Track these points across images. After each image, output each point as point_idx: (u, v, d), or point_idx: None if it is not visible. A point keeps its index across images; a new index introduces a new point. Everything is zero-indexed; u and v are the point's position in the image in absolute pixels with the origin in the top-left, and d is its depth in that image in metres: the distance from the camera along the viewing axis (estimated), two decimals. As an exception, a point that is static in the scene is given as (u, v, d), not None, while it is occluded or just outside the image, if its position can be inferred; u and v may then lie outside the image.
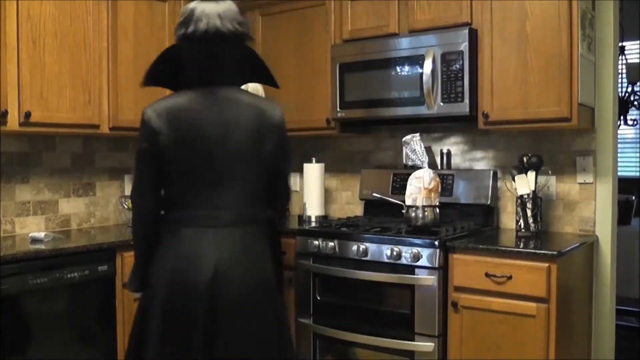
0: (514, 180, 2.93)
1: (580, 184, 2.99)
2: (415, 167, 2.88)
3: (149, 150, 1.92)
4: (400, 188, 3.21)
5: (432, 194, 2.83)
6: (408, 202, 2.87)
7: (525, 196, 2.88)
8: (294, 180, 3.95)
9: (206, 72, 1.93)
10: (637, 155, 6.17)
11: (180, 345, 1.81)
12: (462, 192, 3.17)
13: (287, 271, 3.16)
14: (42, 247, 2.66)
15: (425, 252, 2.66)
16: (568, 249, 2.60)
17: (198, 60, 1.93)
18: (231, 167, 1.88)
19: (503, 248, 2.59)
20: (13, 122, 2.67)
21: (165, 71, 2.01)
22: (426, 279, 2.65)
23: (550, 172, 2.99)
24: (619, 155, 3.18)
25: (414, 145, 2.84)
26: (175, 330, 1.83)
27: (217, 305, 1.80)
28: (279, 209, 2.11)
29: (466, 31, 2.86)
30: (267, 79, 2.11)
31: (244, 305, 1.85)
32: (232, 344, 1.82)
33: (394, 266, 2.73)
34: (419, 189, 2.83)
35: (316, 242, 2.99)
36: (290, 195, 2.10)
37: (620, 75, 4.57)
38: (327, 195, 3.74)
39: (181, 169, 1.89)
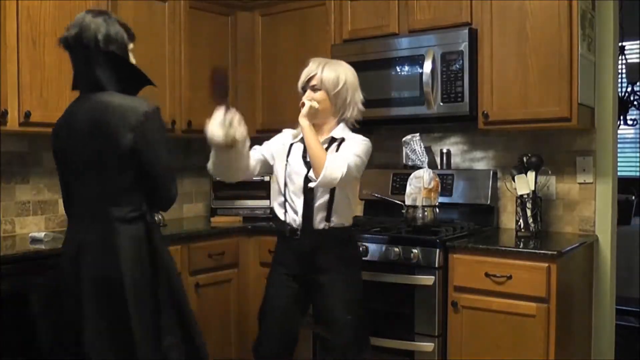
0: (514, 180, 2.93)
1: (580, 184, 2.99)
2: (415, 167, 2.88)
3: (53, 151, 2.18)
4: (400, 188, 3.21)
5: (432, 194, 2.83)
6: (408, 202, 2.87)
7: (525, 196, 2.88)
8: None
9: (78, 78, 2.11)
10: (637, 155, 6.17)
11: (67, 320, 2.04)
12: (462, 192, 3.17)
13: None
14: (42, 247, 2.65)
15: (425, 252, 2.66)
16: (568, 248, 2.60)
17: (74, 67, 2.12)
18: (91, 165, 2.02)
19: (503, 248, 2.59)
20: (13, 122, 2.66)
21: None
22: (426, 278, 2.65)
23: (550, 172, 2.99)
24: (619, 155, 3.18)
25: (414, 145, 2.84)
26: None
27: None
28: (156, 205, 2.13)
29: (466, 31, 2.86)
30: (138, 81, 2.12)
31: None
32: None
33: (393, 266, 2.73)
34: (419, 188, 2.83)
35: (316, 242, 2.98)
36: (168, 192, 2.07)
37: (620, 75, 4.57)
38: (327, 195, 3.74)
39: (61, 169, 2.16)
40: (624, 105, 5.32)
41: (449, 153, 3.31)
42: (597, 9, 2.93)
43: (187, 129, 3.38)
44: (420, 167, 2.85)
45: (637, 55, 5.95)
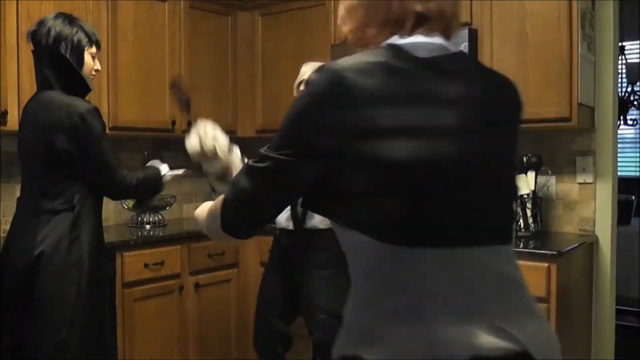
0: (514, 180, 2.92)
1: (580, 184, 2.99)
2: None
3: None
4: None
5: (432, 194, 2.83)
6: (408, 202, 2.86)
7: (525, 196, 2.88)
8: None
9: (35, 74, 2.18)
10: (637, 155, 6.16)
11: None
12: (462, 192, 3.16)
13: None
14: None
15: (425, 252, 2.65)
16: (568, 249, 2.60)
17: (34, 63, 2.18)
18: (30, 163, 2.15)
19: (503, 248, 2.59)
20: (13, 122, 2.66)
21: None
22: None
23: (550, 172, 2.99)
24: (619, 155, 3.18)
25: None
26: None
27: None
28: (108, 196, 2.25)
29: (466, 31, 2.86)
30: (71, 80, 2.13)
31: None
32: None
33: (394, 266, 2.72)
34: (419, 189, 2.82)
35: (316, 242, 2.98)
36: (111, 185, 2.14)
37: (620, 75, 4.56)
38: (327, 195, 3.74)
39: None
40: (624, 105, 5.32)
41: (449, 153, 3.31)
42: (597, 9, 2.93)
43: (187, 129, 3.36)
44: (420, 167, 2.85)
45: (637, 55, 5.94)
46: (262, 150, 1.06)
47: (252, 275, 3.32)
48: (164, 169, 2.37)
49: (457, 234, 0.98)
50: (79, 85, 2.12)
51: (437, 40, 1.03)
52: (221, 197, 1.13)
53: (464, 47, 2.85)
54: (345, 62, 0.98)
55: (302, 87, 2.49)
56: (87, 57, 2.16)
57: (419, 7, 1.01)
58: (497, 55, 2.84)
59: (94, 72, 2.21)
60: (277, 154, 1.02)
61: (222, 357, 3.21)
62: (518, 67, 2.78)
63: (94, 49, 2.18)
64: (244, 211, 1.09)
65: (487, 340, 0.93)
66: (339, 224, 1.04)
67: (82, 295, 2.01)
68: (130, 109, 3.17)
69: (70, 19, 2.15)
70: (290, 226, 2.56)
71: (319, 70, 0.99)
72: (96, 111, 2.09)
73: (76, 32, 2.12)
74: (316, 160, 0.98)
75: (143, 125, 3.21)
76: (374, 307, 0.98)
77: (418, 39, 1.02)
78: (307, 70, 2.52)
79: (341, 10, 1.12)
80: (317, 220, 2.51)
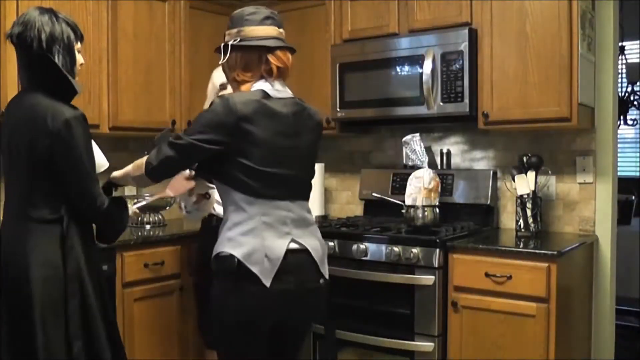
0: (513, 180, 2.93)
1: (580, 184, 2.99)
2: (415, 167, 2.88)
3: None
4: (400, 188, 3.21)
5: (432, 194, 2.83)
6: (408, 202, 2.87)
7: (525, 196, 2.88)
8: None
9: (19, 75, 2.10)
10: (637, 155, 6.16)
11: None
12: (462, 192, 3.17)
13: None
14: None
15: (425, 252, 2.66)
16: (568, 248, 2.60)
17: (17, 63, 2.08)
18: (15, 168, 2.03)
19: (503, 248, 2.59)
20: (13, 122, 2.66)
21: None
22: (426, 278, 2.65)
23: (550, 172, 2.99)
24: (619, 155, 3.18)
25: (414, 145, 2.84)
26: None
27: None
28: (82, 215, 2.02)
29: (466, 31, 2.86)
30: (58, 85, 2.04)
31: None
32: None
33: (393, 266, 2.73)
34: (419, 188, 2.83)
35: (316, 242, 2.99)
36: (89, 201, 1.99)
37: (620, 75, 4.56)
38: (327, 195, 3.74)
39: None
40: (624, 105, 5.32)
41: (449, 153, 3.31)
42: (597, 9, 2.93)
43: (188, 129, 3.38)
44: (420, 167, 2.85)
45: (637, 55, 5.94)
46: (180, 134, 1.94)
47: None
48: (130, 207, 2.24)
49: (280, 193, 1.94)
50: (68, 89, 2.03)
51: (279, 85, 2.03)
52: (145, 157, 1.98)
53: (464, 47, 2.86)
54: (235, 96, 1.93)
55: (227, 90, 2.57)
56: (77, 55, 2.09)
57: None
58: (497, 55, 2.84)
59: (79, 67, 2.13)
60: (190, 138, 1.89)
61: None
62: (518, 67, 2.78)
63: (79, 45, 2.10)
64: (162, 167, 1.94)
65: (291, 245, 1.93)
66: (220, 182, 1.96)
67: (87, 306, 1.97)
68: (130, 109, 3.16)
69: (53, 13, 2.04)
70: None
71: (219, 97, 1.92)
72: (82, 118, 2.00)
73: (65, 28, 2.03)
74: (214, 144, 1.88)
75: (143, 125, 3.20)
76: (236, 229, 1.90)
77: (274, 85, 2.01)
78: (221, 74, 2.64)
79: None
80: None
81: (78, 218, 2.01)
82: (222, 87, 2.75)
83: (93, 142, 2.18)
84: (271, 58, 1.98)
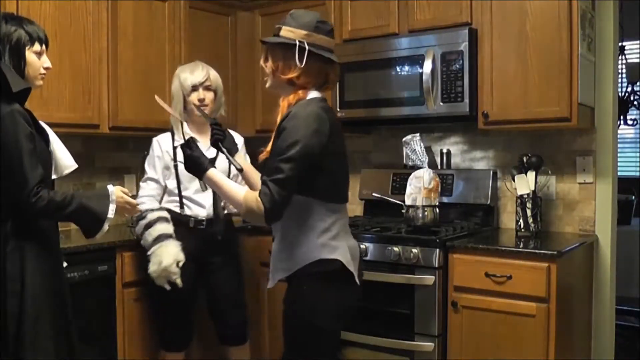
0: (513, 180, 2.93)
1: (580, 183, 2.99)
2: (415, 167, 2.88)
3: None
4: (400, 188, 3.21)
5: (432, 194, 2.83)
6: (408, 202, 2.87)
7: (525, 196, 2.88)
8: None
9: None
10: (637, 155, 6.16)
11: None
12: (462, 192, 3.17)
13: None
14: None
15: (425, 252, 2.66)
16: (568, 248, 2.60)
17: None
18: None
19: (503, 248, 2.59)
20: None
21: None
22: (426, 278, 2.65)
23: (550, 172, 2.99)
24: (619, 155, 3.18)
25: (414, 145, 2.84)
26: None
27: None
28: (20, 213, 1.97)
29: (466, 31, 2.86)
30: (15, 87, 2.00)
31: None
32: None
33: (393, 266, 2.73)
34: (419, 188, 2.83)
35: (316, 242, 2.99)
36: (20, 198, 1.91)
37: (620, 75, 4.57)
38: (327, 195, 3.74)
39: None
40: (624, 105, 5.32)
41: (449, 153, 3.31)
42: (597, 9, 2.93)
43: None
44: (420, 167, 2.85)
45: (637, 55, 5.94)
46: (283, 166, 1.88)
47: (253, 275, 3.32)
48: (111, 209, 2.07)
49: (346, 196, 2.11)
50: (7, 87, 1.96)
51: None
52: (247, 196, 1.92)
53: (464, 47, 2.86)
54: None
55: (208, 83, 2.77)
56: (31, 57, 2.04)
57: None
58: (497, 55, 2.84)
59: (42, 71, 2.09)
60: (293, 170, 1.87)
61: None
62: (518, 67, 2.78)
63: (37, 47, 2.06)
64: (284, 207, 1.91)
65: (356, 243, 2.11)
66: (304, 195, 1.94)
67: (28, 309, 1.92)
68: (130, 109, 3.17)
69: (8, 18, 2.03)
70: (210, 217, 2.78)
71: (302, 107, 1.98)
72: (19, 114, 1.94)
73: (14, 31, 2.00)
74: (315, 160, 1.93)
75: (143, 125, 3.20)
76: (326, 235, 1.97)
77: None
78: (204, 69, 2.80)
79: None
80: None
81: (29, 220, 1.96)
82: (194, 88, 2.78)
83: (60, 143, 2.20)
84: (332, 72, 2.06)
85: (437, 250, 2.64)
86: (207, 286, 2.85)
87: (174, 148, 2.78)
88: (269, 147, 2.01)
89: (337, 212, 2.02)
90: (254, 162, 2.32)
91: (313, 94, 2.02)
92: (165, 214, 2.71)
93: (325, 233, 1.97)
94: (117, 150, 3.52)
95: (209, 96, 2.80)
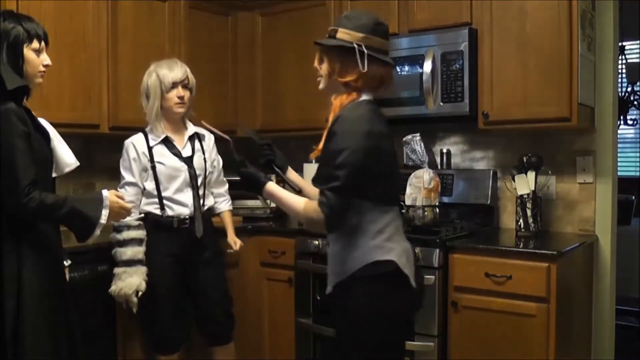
0: (514, 180, 2.93)
1: (580, 183, 2.99)
2: (415, 167, 2.88)
3: None
4: (400, 188, 3.20)
5: (432, 194, 2.83)
6: (408, 202, 2.87)
7: (525, 196, 2.88)
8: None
9: None
10: (637, 155, 6.17)
11: None
12: (462, 192, 3.17)
13: (287, 271, 3.16)
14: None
15: (425, 252, 2.66)
16: (568, 249, 2.60)
17: None
18: None
19: (503, 248, 2.59)
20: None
21: None
22: (426, 278, 2.64)
23: (550, 172, 2.99)
24: (619, 155, 3.18)
25: (414, 145, 2.84)
26: None
27: None
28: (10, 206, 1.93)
29: (466, 31, 2.86)
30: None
31: None
32: None
33: (394, 266, 2.72)
34: (419, 188, 2.83)
35: (316, 242, 2.99)
36: (10, 198, 1.89)
37: (620, 75, 4.57)
38: (327, 195, 3.73)
39: None
40: (624, 105, 5.32)
41: (449, 153, 3.31)
42: (597, 9, 2.93)
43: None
44: (420, 167, 2.85)
45: (637, 55, 5.94)
46: (340, 173, 1.84)
47: (252, 275, 3.32)
48: (104, 214, 2.02)
49: (398, 198, 2.06)
50: (4, 85, 1.95)
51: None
52: (307, 205, 1.92)
53: (464, 47, 2.86)
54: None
55: (176, 90, 2.76)
56: (30, 54, 2.03)
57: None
58: (497, 55, 2.84)
59: (42, 68, 2.08)
60: (349, 177, 1.85)
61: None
62: (518, 67, 2.78)
63: (36, 44, 2.04)
64: (343, 215, 1.90)
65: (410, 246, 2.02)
66: (358, 198, 1.90)
67: (25, 310, 1.91)
68: (130, 109, 3.16)
69: (6, 16, 2.02)
70: (192, 216, 2.77)
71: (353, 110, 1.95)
72: (13, 113, 1.92)
73: (12, 28, 1.98)
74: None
75: (143, 125, 3.19)
76: (380, 237, 1.92)
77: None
78: (170, 72, 2.77)
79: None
80: (209, 201, 2.91)
81: (26, 220, 1.95)
82: (174, 85, 2.77)
83: (61, 141, 2.18)
84: (387, 75, 2.02)
85: (437, 250, 2.64)
86: (192, 286, 2.82)
87: (150, 148, 2.76)
88: (320, 145, 1.98)
89: (390, 213, 1.97)
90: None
91: (365, 96, 1.99)
92: (140, 234, 2.68)
93: (379, 235, 1.93)
94: (117, 150, 3.51)
95: (187, 94, 2.80)
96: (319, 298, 3.00)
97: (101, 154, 3.44)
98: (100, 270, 2.71)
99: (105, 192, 2.06)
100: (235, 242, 2.98)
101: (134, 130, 3.21)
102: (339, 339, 2.03)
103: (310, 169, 3.54)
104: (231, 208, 3.06)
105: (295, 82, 3.56)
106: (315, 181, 1.99)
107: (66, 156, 2.20)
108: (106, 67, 3.07)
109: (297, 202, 1.94)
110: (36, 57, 2.06)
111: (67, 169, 2.20)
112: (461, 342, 2.63)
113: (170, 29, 3.36)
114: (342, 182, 1.83)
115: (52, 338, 1.97)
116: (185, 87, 2.79)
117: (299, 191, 2.10)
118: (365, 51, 1.92)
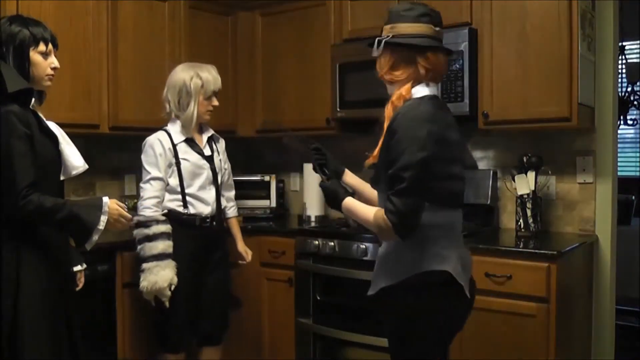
0: (514, 180, 2.93)
1: (580, 183, 2.99)
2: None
3: None
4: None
5: (432, 194, 2.83)
6: (408, 202, 2.86)
7: (525, 196, 2.88)
8: (293, 181, 3.95)
9: None
10: (637, 155, 6.17)
11: None
12: (462, 192, 3.17)
13: (287, 271, 3.17)
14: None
15: (425, 252, 2.65)
16: (568, 249, 2.60)
17: None
18: None
19: (503, 248, 2.59)
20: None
21: None
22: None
23: (550, 172, 2.99)
24: (619, 155, 3.18)
25: (414, 145, 2.83)
26: None
27: None
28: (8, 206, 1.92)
29: (466, 31, 2.86)
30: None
31: None
32: None
33: (394, 266, 2.72)
34: (419, 189, 2.82)
35: (316, 242, 2.99)
36: (10, 199, 1.88)
37: (620, 75, 4.57)
38: (327, 195, 3.73)
39: None
40: (624, 105, 5.32)
41: (449, 153, 3.31)
42: (597, 9, 2.93)
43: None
44: (420, 167, 2.85)
45: (637, 55, 5.95)
46: (406, 174, 1.73)
47: (252, 275, 3.32)
48: (102, 220, 2.00)
49: (461, 200, 1.92)
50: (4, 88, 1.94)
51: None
52: (376, 213, 1.81)
53: (464, 47, 2.85)
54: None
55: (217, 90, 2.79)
56: (36, 57, 2.03)
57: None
58: (497, 55, 2.84)
59: (49, 71, 2.07)
60: (419, 175, 1.74)
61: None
62: (518, 67, 2.78)
63: (43, 47, 2.04)
64: (417, 220, 1.77)
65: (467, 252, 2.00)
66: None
67: (23, 310, 1.90)
68: (130, 109, 3.17)
69: (12, 20, 2.03)
70: (213, 215, 2.81)
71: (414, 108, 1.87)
72: (14, 115, 1.92)
73: (18, 32, 1.99)
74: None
75: (143, 125, 3.20)
76: (438, 243, 1.81)
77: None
78: (216, 74, 2.81)
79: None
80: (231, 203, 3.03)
81: (22, 222, 1.94)
82: (215, 94, 2.81)
83: (70, 144, 2.17)
84: (420, 59, 1.85)
85: (437, 250, 2.64)
86: (203, 285, 2.83)
87: (174, 145, 2.76)
88: (375, 152, 1.90)
89: (451, 217, 1.85)
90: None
91: (423, 91, 1.86)
92: (168, 228, 2.67)
93: (437, 241, 1.80)
94: (117, 150, 3.52)
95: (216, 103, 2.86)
96: (319, 298, 3.00)
97: (101, 154, 3.44)
98: (100, 270, 2.71)
99: (105, 199, 2.04)
100: (246, 252, 3.01)
101: (134, 131, 3.22)
102: (391, 343, 1.96)
103: (310, 168, 3.53)
104: (238, 215, 3.08)
105: (295, 82, 3.56)
106: (374, 182, 1.92)
107: (74, 159, 2.19)
108: (106, 67, 3.07)
109: (367, 213, 1.83)
110: (43, 60, 2.05)
111: (75, 172, 2.18)
112: (461, 342, 2.62)
113: (170, 29, 3.36)
114: (407, 183, 1.70)
115: (52, 338, 1.97)
116: (216, 95, 2.83)
117: (352, 193, 1.99)
118: (384, 40, 1.91)
